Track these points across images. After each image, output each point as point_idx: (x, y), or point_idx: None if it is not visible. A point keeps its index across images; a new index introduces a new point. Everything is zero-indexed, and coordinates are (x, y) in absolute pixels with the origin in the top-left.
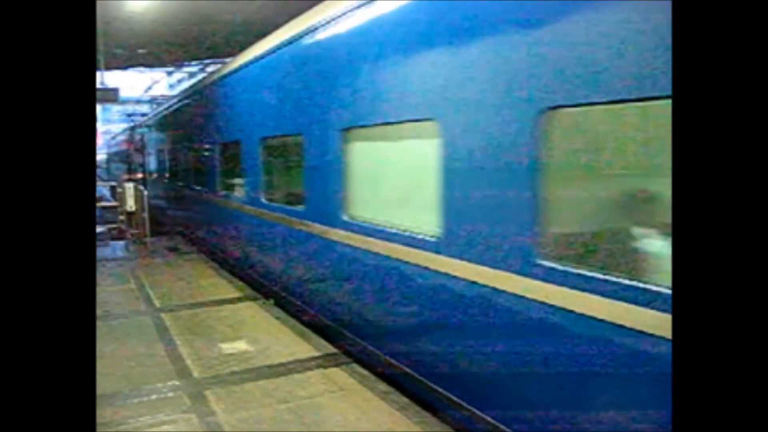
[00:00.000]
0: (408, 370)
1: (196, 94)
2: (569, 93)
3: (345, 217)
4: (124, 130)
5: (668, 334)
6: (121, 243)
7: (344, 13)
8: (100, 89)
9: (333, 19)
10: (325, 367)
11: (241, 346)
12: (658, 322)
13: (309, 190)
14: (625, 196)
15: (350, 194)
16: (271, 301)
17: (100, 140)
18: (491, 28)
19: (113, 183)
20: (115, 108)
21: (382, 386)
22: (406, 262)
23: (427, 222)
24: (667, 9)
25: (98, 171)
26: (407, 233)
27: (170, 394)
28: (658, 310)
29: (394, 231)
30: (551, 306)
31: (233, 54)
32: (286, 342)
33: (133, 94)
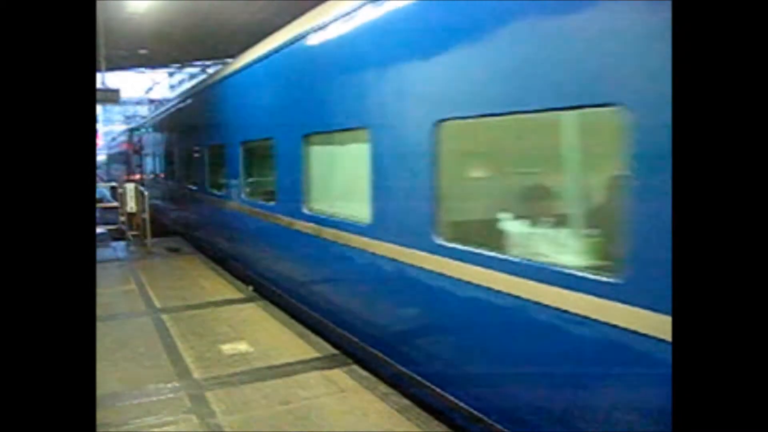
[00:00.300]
0: (343, 331)
1: (186, 100)
2: (452, 109)
3: (305, 210)
4: (123, 132)
5: (517, 292)
6: (122, 243)
7: (303, 36)
8: (101, 90)
9: (295, 40)
10: (326, 369)
11: (241, 347)
12: (512, 284)
13: (278, 188)
14: (493, 190)
15: (309, 191)
16: (251, 288)
17: (101, 141)
18: (402, 63)
19: (113, 184)
20: (116, 109)
21: (383, 387)
22: (348, 245)
23: (363, 212)
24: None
25: (99, 172)
26: (348, 222)
27: (171, 395)
28: (510, 273)
29: (338, 220)
30: (439, 274)
31: (233, 55)
32: (287, 343)
33: (134, 94)
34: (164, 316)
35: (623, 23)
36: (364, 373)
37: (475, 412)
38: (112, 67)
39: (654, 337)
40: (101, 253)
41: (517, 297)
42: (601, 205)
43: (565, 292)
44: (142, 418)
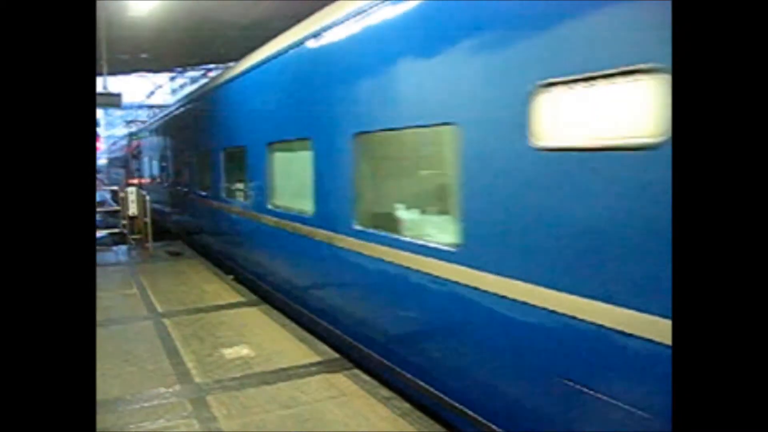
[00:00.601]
0: (283, 296)
1: (177, 110)
2: (363, 124)
3: (269, 206)
4: (123, 137)
5: (407, 263)
6: (123, 247)
7: (265, 61)
8: (102, 94)
9: (260, 63)
10: (327, 373)
11: (242, 351)
12: (405, 256)
13: (249, 188)
14: (391, 187)
15: (271, 190)
16: (231, 277)
17: (102, 145)
18: (329, 86)
19: (115, 187)
20: (118, 113)
21: (384, 392)
22: (297, 233)
23: (308, 207)
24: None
25: (100, 175)
26: (297, 214)
27: (172, 400)
28: (400, 249)
29: (292, 214)
30: (356, 252)
31: (235, 59)
32: (288, 347)
33: (135, 99)
34: (166, 320)
35: (456, 71)
36: (366, 378)
37: (350, 339)
38: (113, 71)
39: (475, 288)
40: (103, 256)
41: (400, 265)
42: (449, 196)
43: (429, 260)
44: (144, 423)
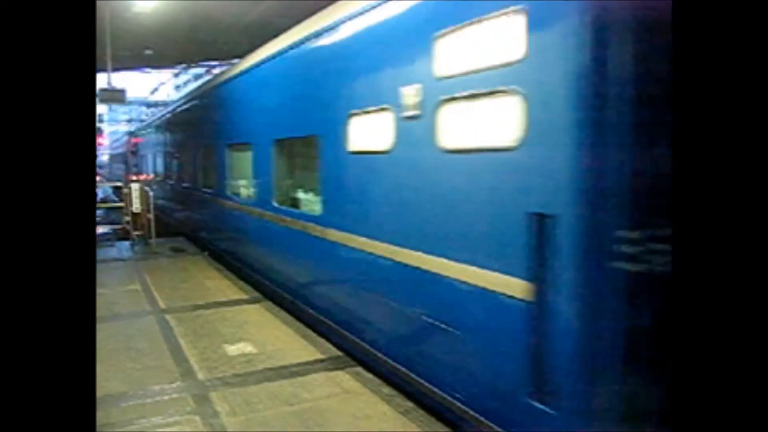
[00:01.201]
0: (228, 256)
1: (168, 113)
2: (276, 132)
3: (228, 193)
4: (124, 134)
5: (298, 227)
6: (126, 243)
7: (233, 77)
8: (107, 90)
9: (229, 79)
10: (330, 370)
11: (245, 348)
12: (298, 222)
13: (217, 179)
14: (294, 178)
15: (228, 181)
16: (206, 252)
17: (106, 141)
18: (259, 103)
19: (118, 183)
20: (122, 109)
21: (387, 390)
22: (246, 213)
23: (250, 193)
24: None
25: (102, 171)
26: (245, 200)
27: (175, 396)
28: (295, 218)
29: (242, 200)
30: (274, 222)
31: (240, 56)
32: (291, 344)
33: (139, 94)
34: (168, 317)
35: (315, 101)
36: (369, 375)
37: (267, 275)
38: (117, 67)
39: (334, 241)
40: (106, 252)
41: (296, 228)
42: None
43: (308, 223)
44: (146, 419)
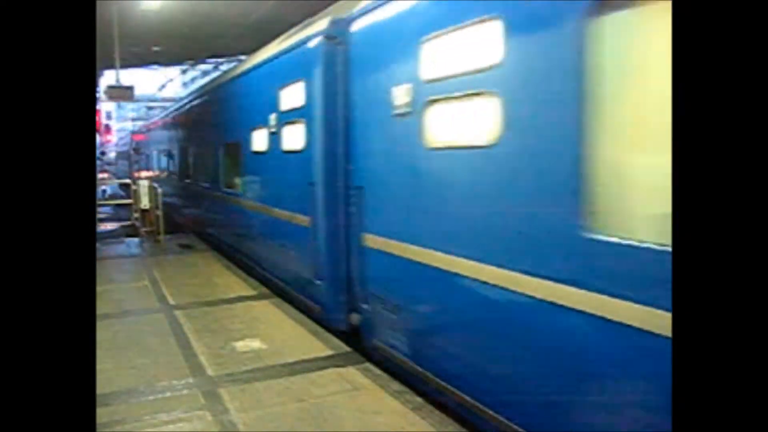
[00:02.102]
0: (200, 234)
1: (159, 118)
2: (224, 138)
3: (199, 181)
4: (129, 131)
5: (233, 202)
6: (135, 240)
7: (190, 100)
8: (115, 87)
9: (190, 101)
10: (339, 366)
11: (255, 344)
12: (232, 198)
13: (193, 171)
14: (235, 170)
15: (201, 172)
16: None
17: (114, 138)
18: (217, 119)
19: (127, 180)
20: (130, 106)
21: (396, 386)
22: (208, 193)
23: (212, 181)
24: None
25: (111, 168)
26: (207, 185)
27: (184, 392)
28: (231, 195)
29: (205, 184)
30: (221, 200)
31: (247, 52)
32: (300, 340)
33: (147, 91)
34: (178, 313)
35: (239, 114)
36: (378, 371)
37: (216, 237)
38: (126, 65)
39: (257, 211)
40: (115, 249)
41: (232, 202)
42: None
43: (237, 198)
44: (156, 415)
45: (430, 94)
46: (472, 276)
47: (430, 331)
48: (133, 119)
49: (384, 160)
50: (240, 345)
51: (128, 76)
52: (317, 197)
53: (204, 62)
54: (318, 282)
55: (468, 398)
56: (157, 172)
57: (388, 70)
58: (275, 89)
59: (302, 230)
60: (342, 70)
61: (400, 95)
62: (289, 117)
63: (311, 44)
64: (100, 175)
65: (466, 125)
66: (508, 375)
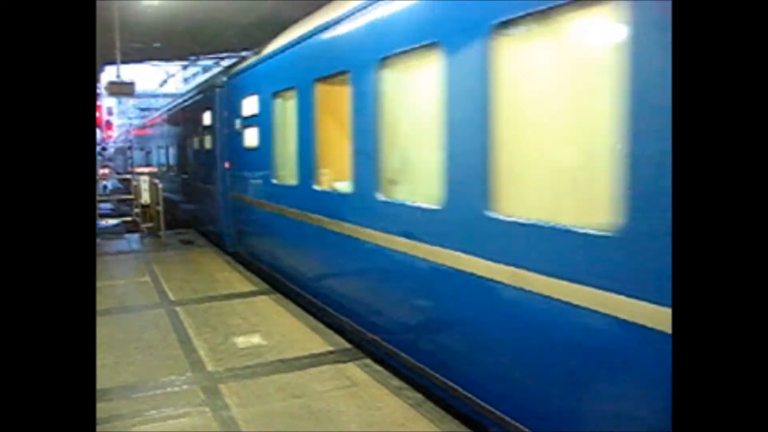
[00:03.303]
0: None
1: (148, 120)
2: (176, 141)
3: (173, 168)
4: (125, 130)
5: (192, 184)
6: (136, 236)
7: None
8: (115, 83)
9: (168, 110)
10: (339, 362)
11: (255, 340)
12: (189, 181)
13: (174, 162)
14: (187, 165)
15: (179, 162)
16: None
17: (115, 133)
18: (164, 127)
19: (127, 176)
20: (131, 102)
21: (396, 382)
22: (174, 177)
23: (173, 170)
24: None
25: (111, 164)
26: (170, 173)
27: (184, 387)
28: (185, 177)
29: (170, 173)
30: (179, 180)
31: (249, 48)
32: (300, 336)
33: (148, 87)
34: (178, 308)
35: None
36: (378, 367)
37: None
38: (127, 60)
39: (193, 185)
40: (116, 244)
41: (184, 180)
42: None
43: (181, 177)
44: (156, 410)
45: (244, 124)
46: (263, 207)
47: (251, 240)
48: (130, 118)
49: (234, 154)
50: (240, 341)
51: (130, 71)
52: (217, 175)
53: (206, 57)
54: (219, 223)
55: (265, 267)
56: (143, 166)
57: (234, 109)
58: (199, 113)
59: (211, 194)
60: (224, 105)
61: (237, 122)
62: (205, 130)
63: (214, 89)
64: (101, 171)
65: (251, 139)
66: (287, 253)
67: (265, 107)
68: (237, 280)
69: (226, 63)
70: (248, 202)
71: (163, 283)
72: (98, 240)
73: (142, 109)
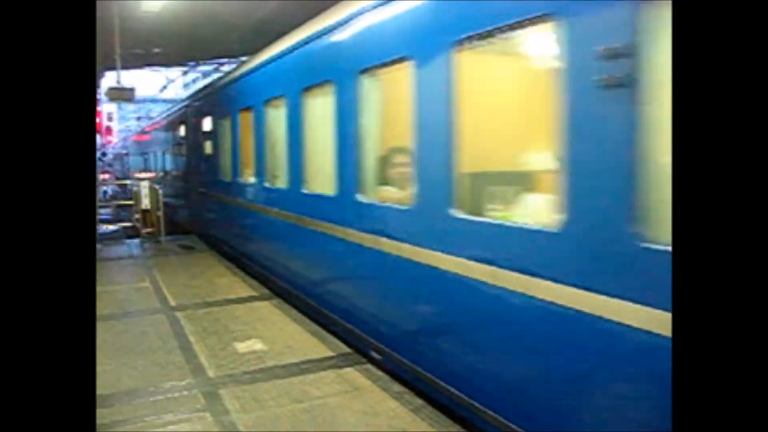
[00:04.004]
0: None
1: (145, 127)
2: (164, 148)
3: (158, 170)
4: (124, 137)
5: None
6: (136, 241)
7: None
8: (116, 88)
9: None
10: (340, 367)
11: (255, 345)
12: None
13: (158, 165)
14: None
15: (162, 166)
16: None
17: (115, 139)
18: (155, 136)
19: (128, 182)
20: (131, 107)
21: (396, 387)
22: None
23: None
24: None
25: (111, 170)
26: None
27: (185, 393)
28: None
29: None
30: (168, 179)
31: (249, 53)
32: (301, 341)
33: (148, 93)
34: (178, 314)
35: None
36: (378, 373)
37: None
38: (127, 66)
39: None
40: (116, 250)
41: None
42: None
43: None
44: (157, 416)
45: (205, 137)
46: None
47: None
48: (128, 125)
49: (198, 159)
50: (241, 346)
51: (130, 78)
52: (188, 176)
53: (206, 63)
54: (188, 210)
55: (196, 237)
56: (139, 170)
57: (197, 125)
58: (176, 125)
59: (182, 188)
60: (190, 121)
61: (199, 134)
62: (180, 140)
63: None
64: (101, 176)
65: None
66: (211, 220)
67: (218, 126)
68: (238, 285)
69: (226, 68)
70: (208, 195)
71: (163, 288)
72: (98, 245)
73: (138, 118)
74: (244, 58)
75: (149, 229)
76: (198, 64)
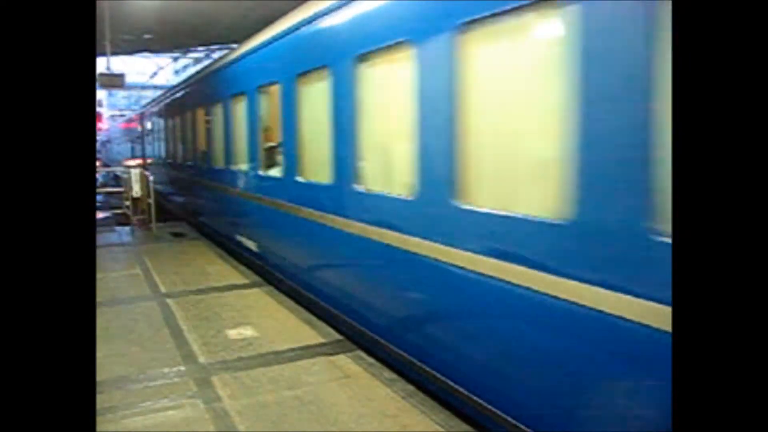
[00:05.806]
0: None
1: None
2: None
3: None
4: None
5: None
6: (127, 228)
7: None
8: (106, 74)
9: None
10: (331, 354)
11: (247, 332)
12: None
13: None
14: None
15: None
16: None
17: (106, 124)
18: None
19: (117, 169)
20: (121, 94)
21: (388, 373)
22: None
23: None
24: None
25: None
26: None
27: (176, 380)
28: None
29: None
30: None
31: (239, 41)
32: (293, 329)
33: (138, 79)
34: (170, 301)
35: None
36: (370, 360)
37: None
38: (117, 52)
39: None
40: (107, 237)
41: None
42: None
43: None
44: (148, 402)
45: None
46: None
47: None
48: (120, 109)
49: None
50: (232, 333)
51: (120, 64)
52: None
53: (196, 50)
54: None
55: (176, 213)
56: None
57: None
58: (158, 117)
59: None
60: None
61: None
62: (172, 127)
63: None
64: None
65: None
66: (186, 202)
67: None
68: (229, 272)
69: (216, 55)
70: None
71: (154, 275)
72: None
73: (121, 110)
74: (234, 46)
75: (140, 216)
76: (189, 51)
